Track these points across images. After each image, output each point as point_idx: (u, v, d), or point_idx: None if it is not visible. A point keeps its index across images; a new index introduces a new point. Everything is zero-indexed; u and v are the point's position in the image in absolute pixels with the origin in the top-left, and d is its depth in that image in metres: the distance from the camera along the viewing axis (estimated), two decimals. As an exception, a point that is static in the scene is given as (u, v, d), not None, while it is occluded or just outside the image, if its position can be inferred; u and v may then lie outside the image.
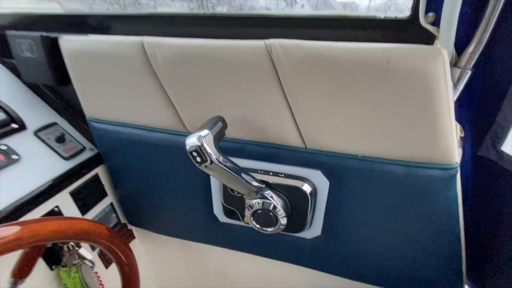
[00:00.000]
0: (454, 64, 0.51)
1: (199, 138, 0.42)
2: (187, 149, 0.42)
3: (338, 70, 0.45)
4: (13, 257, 0.55)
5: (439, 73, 0.42)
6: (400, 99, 0.44)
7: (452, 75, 0.49)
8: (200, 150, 0.42)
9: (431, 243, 0.58)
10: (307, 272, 0.77)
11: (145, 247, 1.00)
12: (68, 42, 0.62)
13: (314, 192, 0.59)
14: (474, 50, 0.49)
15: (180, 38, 0.53)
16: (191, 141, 0.42)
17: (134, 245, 0.97)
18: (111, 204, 0.85)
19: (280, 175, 0.59)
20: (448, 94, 0.44)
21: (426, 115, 0.45)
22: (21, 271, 0.54)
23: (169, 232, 0.88)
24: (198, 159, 0.43)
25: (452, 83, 0.50)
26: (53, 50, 0.66)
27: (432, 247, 0.59)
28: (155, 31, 0.66)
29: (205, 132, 0.43)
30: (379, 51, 0.42)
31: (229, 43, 0.49)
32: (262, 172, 0.60)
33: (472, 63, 0.50)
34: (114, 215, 0.87)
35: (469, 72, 0.50)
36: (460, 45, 0.50)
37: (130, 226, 0.94)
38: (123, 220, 0.91)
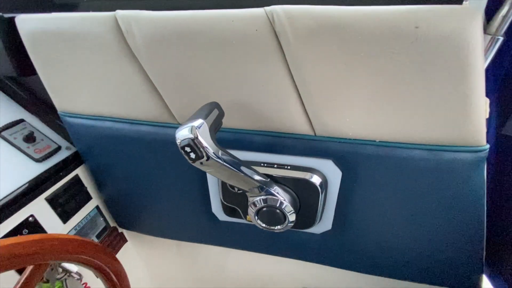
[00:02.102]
0: (483, 30, 0.45)
1: (192, 129, 0.34)
2: (178, 143, 0.35)
3: (354, 40, 0.37)
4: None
5: (477, 39, 0.35)
6: (428, 71, 0.37)
7: (481, 43, 0.43)
8: (194, 144, 0.34)
9: (454, 231, 0.53)
10: (316, 267, 0.72)
11: (139, 250, 0.93)
12: (26, 22, 0.52)
13: (324, 184, 0.53)
14: (507, 13, 0.42)
15: (161, 11, 0.44)
16: (183, 134, 0.35)
17: (127, 248, 0.89)
18: (97, 207, 0.77)
19: (286, 167, 0.53)
20: (483, 64, 0.37)
21: (457, 89, 0.38)
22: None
23: (164, 234, 0.81)
24: (192, 155, 0.35)
25: (483, 52, 0.44)
26: (10, 33, 0.55)
27: (454, 235, 0.54)
28: (130, 6, 0.57)
29: (199, 122, 0.35)
30: (405, 14, 0.35)
31: (221, 13, 0.41)
32: (265, 165, 0.53)
33: (504, 29, 0.44)
34: (102, 219, 0.79)
35: (501, 39, 0.43)
36: (489, 7, 0.43)
37: (121, 229, 0.86)
38: (112, 224, 0.83)
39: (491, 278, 0.63)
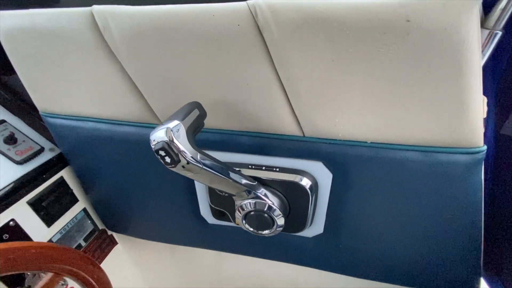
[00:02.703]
0: (480, 24, 0.42)
1: (167, 131, 0.32)
2: (153, 147, 0.33)
3: (343, 35, 0.35)
4: None
5: (473, 33, 0.32)
6: (421, 67, 0.35)
7: (479, 38, 0.41)
8: (169, 148, 0.32)
9: (449, 235, 0.51)
10: (308, 271, 0.70)
11: (130, 252, 0.91)
12: (2, 19, 0.49)
13: (314, 187, 0.51)
14: (506, 6, 0.40)
15: (139, 6, 0.41)
16: (157, 136, 0.32)
17: (117, 251, 0.87)
18: (84, 209, 0.75)
19: (274, 169, 0.50)
20: (480, 61, 0.35)
21: (453, 88, 0.36)
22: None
23: (153, 237, 0.79)
24: (168, 159, 0.33)
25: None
26: (-14, 30, 0.53)
27: (450, 239, 0.52)
28: (109, 1, 0.54)
29: (175, 123, 0.33)
30: (395, 6, 0.32)
31: (201, 7, 0.38)
32: (253, 167, 0.51)
33: (503, 23, 0.41)
34: (89, 221, 0.77)
35: (499, 34, 0.41)
36: (488, 1, 0.41)
37: (110, 232, 0.84)
38: (100, 226, 0.81)
39: (489, 281, 0.61)
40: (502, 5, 0.40)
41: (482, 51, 0.42)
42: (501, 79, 0.46)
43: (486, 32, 0.42)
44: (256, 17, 0.36)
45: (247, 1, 0.36)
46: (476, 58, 0.34)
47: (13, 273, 0.37)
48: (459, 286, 0.60)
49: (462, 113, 0.37)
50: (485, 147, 0.41)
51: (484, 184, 0.52)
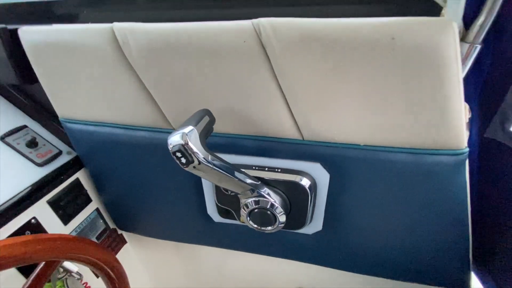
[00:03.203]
0: (461, 38, 0.47)
1: (183, 136, 0.37)
2: (170, 149, 0.37)
3: (336, 51, 0.40)
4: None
5: (450, 48, 0.37)
6: (406, 79, 0.40)
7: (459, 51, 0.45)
8: (184, 150, 0.37)
9: (438, 231, 0.55)
10: (309, 267, 0.74)
11: (138, 251, 0.96)
12: (29, 34, 0.55)
13: (313, 186, 0.55)
14: (484, 22, 0.44)
15: (155, 23, 0.46)
16: (174, 140, 0.37)
17: (126, 250, 0.92)
18: (97, 209, 0.79)
19: (276, 170, 0.55)
20: (458, 72, 0.39)
21: (435, 97, 0.40)
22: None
23: (162, 235, 0.83)
24: (183, 160, 0.37)
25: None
26: (13, 44, 0.58)
27: (439, 235, 0.56)
28: (127, 17, 0.59)
29: (189, 128, 0.38)
30: (382, 26, 0.37)
31: (211, 25, 0.43)
32: (256, 168, 0.55)
33: (482, 37, 0.46)
34: (101, 221, 0.81)
35: (478, 47, 0.46)
36: (468, 17, 0.45)
37: (120, 231, 0.89)
38: (111, 226, 0.85)
39: (479, 275, 0.65)
40: (480, 21, 0.44)
41: (464, 63, 0.47)
42: (483, 87, 0.50)
43: (467, 45, 0.46)
44: (259, 34, 0.41)
45: (252, 20, 0.41)
46: (454, 70, 0.38)
47: (39, 261, 0.41)
48: (451, 280, 0.64)
49: (445, 119, 0.42)
50: (467, 149, 0.45)
51: (471, 183, 0.57)
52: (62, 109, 0.63)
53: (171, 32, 0.45)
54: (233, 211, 0.63)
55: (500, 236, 0.58)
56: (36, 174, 0.63)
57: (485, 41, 0.46)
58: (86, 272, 0.76)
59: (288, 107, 0.48)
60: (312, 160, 0.52)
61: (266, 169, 0.55)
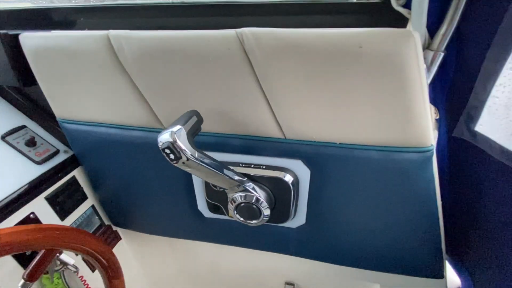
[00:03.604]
0: (427, 46, 0.51)
1: (171, 134, 0.41)
2: (160, 146, 0.41)
3: (311, 57, 0.44)
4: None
5: (411, 56, 0.41)
6: (374, 84, 0.44)
7: (425, 58, 0.50)
8: (173, 147, 0.40)
9: (411, 224, 0.60)
10: (296, 260, 0.78)
11: (133, 247, 0.99)
12: (29, 39, 0.58)
13: (296, 182, 0.59)
14: (446, 31, 0.49)
15: (148, 31, 0.50)
16: (163, 138, 0.41)
17: (121, 246, 0.95)
18: (93, 206, 0.82)
19: (261, 167, 0.59)
20: (421, 77, 0.44)
21: (400, 100, 0.45)
22: (34, 274, 0.51)
23: (156, 231, 0.87)
24: (172, 156, 0.41)
25: (425, 66, 0.50)
26: (14, 48, 0.62)
27: (412, 227, 0.60)
28: (122, 24, 0.63)
29: (177, 127, 0.42)
30: (350, 36, 0.42)
31: (199, 34, 0.47)
32: (243, 165, 0.59)
33: (445, 44, 0.50)
34: (97, 217, 0.84)
35: (442, 54, 0.50)
36: (433, 26, 0.50)
37: (115, 228, 0.92)
38: (107, 222, 0.89)
39: (453, 264, 0.69)
40: (442, 30, 0.49)
41: (429, 68, 0.52)
42: (449, 91, 0.55)
43: (432, 53, 0.51)
44: (243, 42, 0.45)
45: (236, 30, 0.45)
46: (416, 76, 0.43)
47: (39, 249, 0.44)
48: (426, 270, 0.68)
49: (409, 119, 0.46)
50: (433, 146, 0.50)
51: (442, 179, 0.61)
52: (60, 110, 0.67)
53: (162, 39, 0.49)
54: (222, 206, 0.67)
55: (470, 227, 0.62)
56: (35, 171, 0.66)
57: (448, 48, 0.51)
58: (83, 267, 0.80)
59: (271, 108, 0.52)
60: (294, 158, 0.57)
61: (252, 166, 0.59)
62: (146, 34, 0.50)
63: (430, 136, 0.49)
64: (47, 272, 0.65)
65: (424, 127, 0.48)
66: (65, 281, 0.66)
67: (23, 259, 0.64)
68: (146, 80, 0.54)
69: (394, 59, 0.41)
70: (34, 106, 0.75)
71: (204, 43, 0.47)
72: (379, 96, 0.45)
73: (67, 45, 0.55)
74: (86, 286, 0.73)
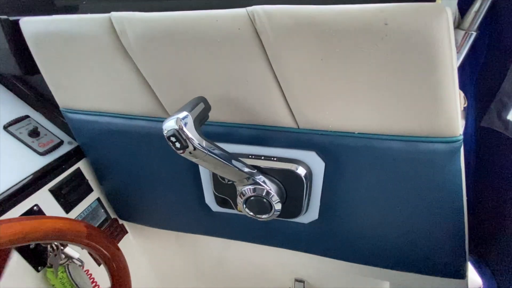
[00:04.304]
0: (457, 25, 0.46)
1: (177, 121, 0.37)
2: (165, 134, 0.38)
3: (330, 37, 0.40)
4: None
5: (443, 34, 0.37)
6: (399, 66, 0.40)
7: (455, 38, 0.45)
8: (179, 135, 0.37)
9: (434, 220, 0.55)
10: (306, 256, 0.74)
11: (139, 241, 0.97)
12: (29, 24, 0.55)
13: (309, 175, 0.55)
14: (479, 9, 0.44)
15: (152, 12, 0.47)
16: (169, 125, 0.38)
17: (128, 239, 0.93)
18: (98, 199, 0.81)
19: (272, 158, 0.55)
20: (452, 59, 0.39)
21: (428, 83, 0.40)
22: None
23: (162, 225, 0.85)
24: (178, 144, 0.38)
25: (455, 47, 0.46)
26: (15, 35, 0.59)
27: (434, 223, 0.56)
28: (125, 8, 0.60)
29: (183, 114, 0.38)
30: (375, 12, 0.37)
31: (206, 13, 0.43)
32: (253, 156, 0.56)
33: (477, 24, 0.46)
34: (102, 210, 0.83)
35: (474, 34, 0.46)
36: (464, 3, 0.45)
37: (121, 221, 0.90)
38: (113, 215, 0.87)
39: (475, 264, 0.65)
40: (476, 7, 0.44)
41: (459, 50, 0.47)
42: (479, 76, 0.50)
43: (462, 32, 0.46)
44: (254, 21, 0.42)
45: (246, 8, 0.42)
46: (447, 57, 0.38)
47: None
48: (446, 270, 0.64)
49: (438, 106, 0.42)
50: (462, 136, 0.45)
51: (467, 172, 0.57)
52: (63, 99, 0.64)
53: (167, 20, 0.46)
54: (230, 200, 0.64)
55: (496, 225, 0.58)
56: (38, 162, 0.65)
57: (480, 28, 0.46)
58: (87, 260, 0.78)
59: (283, 94, 0.48)
60: (307, 149, 0.53)
61: (262, 157, 0.56)
62: (150, 15, 0.46)
63: (459, 125, 0.45)
64: (51, 266, 0.64)
65: (453, 114, 0.43)
66: (70, 275, 0.65)
67: (30, 256, 0.62)
68: (150, 65, 0.51)
69: (424, 37, 0.37)
70: (37, 95, 0.73)
71: (212, 23, 0.44)
72: (405, 80, 0.41)
73: (68, 29, 0.52)
74: (91, 280, 0.72)
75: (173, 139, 0.38)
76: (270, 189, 0.53)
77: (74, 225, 0.43)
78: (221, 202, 0.66)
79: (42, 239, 0.39)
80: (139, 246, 0.98)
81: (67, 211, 0.70)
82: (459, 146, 0.46)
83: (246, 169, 0.51)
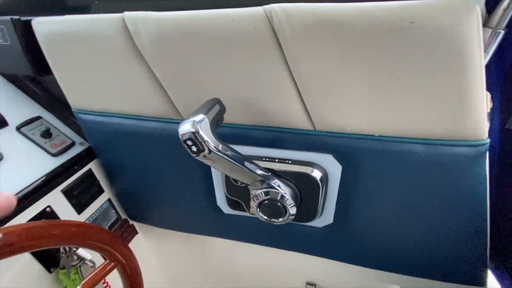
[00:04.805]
0: (483, 23, 0.44)
1: (194, 124, 0.36)
2: (181, 137, 0.37)
3: (351, 37, 0.38)
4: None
5: (473, 32, 0.35)
6: (425, 65, 0.38)
7: (482, 37, 0.43)
8: (195, 138, 0.36)
9: (455, 227, 0.53)
10: (318, 260, 0.73)
11: (149, 241, 0.97)
12: (42, 24, 0.55)
13: (325, 178, 0.54)
14: (508, 6, 0.42)
15: (166, 12, 0.46)
16: (185, 128, 0.37)
17: (138, 240, 0.93)
18: (109, 200, 0.81)
19: (287, 161, 0.54)
20: (481, 58, 0.37)
21: (456, 84, 0.38)
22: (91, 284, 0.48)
23: (172, 226, 0.84)
24: (194, 148, 0.37)
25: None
26: (27, 35, 0.59)
27: (455, 230, 0.54)
28: (137, 8, 0.59)
29: (200, 117, 0.37)
30: (400, 9, 0.35)
31: (222, 13, 0.42)
32: (267, 159, 0.55)
33: (505, 22, 0.43)
34: (113, 211, 0.83)
35: (502, 33, 0.43)
36: (491, 1, 0.43)
37: (132, 222, 0.90)
38: (123, 216, 0.87)
39: (496, 272, 0.63)
40: (504, 5, 0.42)
41: (486, 49, 0.45)
42: (506, 76, 0.48)
43: (489, 31, 0.44)
44: (271, 20, 0.40)
45: (264, 7, 0.40)
46: (477, 56, 0.37)
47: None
48: (466, 278, 0.62)
49: (465, 108, 0.40)
50: (488, 140, 0.43)
51: (490, 177, 0.54)
52: (75, 99, 0.64)
53: (181, 20, 0.44)
54: (242, 203, 0.63)
55: (519, 232, 0.56)
56: (51, 163, 0.64)
57: (509, 27, 0.44)
58: (99, 261, 0.78)
59: (300, 96, 0.47)
60: (323, 152, 0.51)
61: (277, 160, 0.54)
62: (163, 15, 0.45)
63: (485, 128, 0.43)
64: (64, 267, 0.64)
65: (480, 117, 0.41)
66: (82, 276, 0.65)
67: (41, 255, 0.62)
68: (163, 65, 0.50)
69: (453, 36, 0.35)
70: (49, 96, 0.73)
71: (227, 22, 0.42)
72: (431, 80, 0.39)
73: (81, 29, 0.51)
74: (103, 281, 0.72)
75: (189, 142, 0.37)
76: (285, 193, 0.52)
77: (88, 229, 0.43)
78: (233, 204, 0.65)
79: (61, 243, 0.39)
80: (149, 246, 0.98)
81: (79, 212, 0.70)
82: (485, 150, 0.44)
83: (260, 172, 0.50)
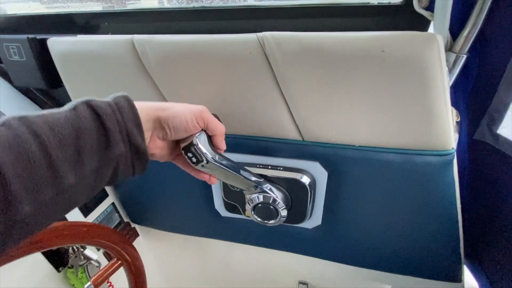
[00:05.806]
0: (449, 48, 0.50)
1: (194, 138, 0.42)
2: (181, 150, 0.42)
3: (332, 61, 0.44)
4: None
5: (434, 59, 0.41)
6: (395, 87, 0.44)
7: (447, 60, 0.49)
8: (195, 150, 0.42)
9: (430, 227, 0.59)
10: (310, 260, 0.78)
11: (149, 244, 1.02)
12: (57, 44, 0.61)
13: (313, 183, 0.60)
14: (469, 33, 0.48)
15: (170, 35, 0.52)
16: (185, 141, 0.42)
17: (139, 242, 0.98)
18: (113, 204, 0.85)
19: (278, 168, 0.60)
20: (443, 80, 0.43)
21: (421, 102, 0.44)
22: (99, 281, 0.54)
23: (172, 228, 0.89)
24: (194, 159, 0.42)
25: (447, 68, 0.50)
26: (41, 52, 0.65)
27: (430, 231, 0.60)
28: (144, 28, 0.65)
29: (199, 132, 0.43)
30: (373, 39, 0.42)
31: (220, 38, 0.48)
32: (260, 166, 0.60)
33: (468, 47, 0.49)
34: (117, 214, 0.87)
35: (465, 56, 0.49)
36: (455, 28, 0.49)
37: (133, 225, 0.95)
38: (126, 219, 0.92)
39: (471, 268, 0.68)
40: (466, 32, 0.48)
41: (451, 71, 0.51)
42: (471, 93, 0.54)
43: (454, 55, 0.50)
44: (264, 46, 0.46)
45: (257, 34, 0.46)
46: (439, 79, 0.43)
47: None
48: (444, 274, 0.67)
49: (431, 122, 0.46)
50: (454, 149, 0.49)
51: (463, 183, 0.60)
52: (84, 111, 0.69)
53: (184, 43, 0.50)
54: (238, 206, 0.68)
55: (490, 231, 0.61)
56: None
57: (471, 51, 0.50)
58: (103, 262, 0.83)
59: (290, 111, 0.52)
60: (311, 159, 0.57)
61: (269, 167, 0.60)
62: (168, 38, 0.51)
63: (451, 139, 0.49)
64: (72, 267, 0.68)
65: (445, 129, 0.47)
66: (89, 275, 0.69)
67: (51, 254, 0.67)
68: (168, 83, 0.55)
69: (417, 63, 0.41)
70: (59, 107, 0.78)
71: (225, 47, 0.48)
72: (400, 99, 0.45)
73: (93, 50, 0.57)
74: (107, 281, 0.76)
75: (189, 154, 0.42)
76: (277, 197, 0.57)
77: (101, 229, 0.48)
78: (230, 207, 0.70)
79: (76, 242, 0.44)
80: (149, 248, 1.02)
81: (85, 215, 0.75)
82: (451, 159, 0.50)
83: (254, 178, 0.55)
